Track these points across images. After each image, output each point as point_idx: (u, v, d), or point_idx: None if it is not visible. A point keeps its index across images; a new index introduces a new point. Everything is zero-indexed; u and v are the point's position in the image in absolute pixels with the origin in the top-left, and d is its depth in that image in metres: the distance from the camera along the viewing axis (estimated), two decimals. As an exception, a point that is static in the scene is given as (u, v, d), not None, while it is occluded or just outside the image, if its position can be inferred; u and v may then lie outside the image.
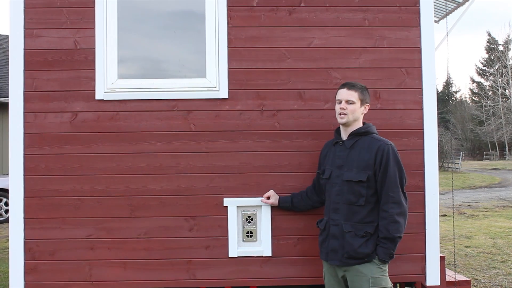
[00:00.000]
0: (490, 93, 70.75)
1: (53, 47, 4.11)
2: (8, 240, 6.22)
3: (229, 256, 4.09)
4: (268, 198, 4.05)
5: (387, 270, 3.55)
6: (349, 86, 3.66)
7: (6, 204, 13.51)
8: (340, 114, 3.63)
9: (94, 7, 4.11)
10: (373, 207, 3.55)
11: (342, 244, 3.53)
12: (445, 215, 13.77)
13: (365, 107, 3.69)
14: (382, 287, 3.48)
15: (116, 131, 4.09)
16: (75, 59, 4.11)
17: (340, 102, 3.65)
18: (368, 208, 3.54)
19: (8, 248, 5.24)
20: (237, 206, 4.10)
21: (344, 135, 3.70)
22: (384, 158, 3.51)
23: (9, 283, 4.04)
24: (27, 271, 4.05)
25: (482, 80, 74.16)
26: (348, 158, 3.60)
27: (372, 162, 3.53)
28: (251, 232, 4.12)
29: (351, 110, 3.60)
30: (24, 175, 4.06)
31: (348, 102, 3.61)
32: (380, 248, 3.47)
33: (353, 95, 3.62)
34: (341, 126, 3.72)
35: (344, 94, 3.64)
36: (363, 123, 3.71)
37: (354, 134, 3.64)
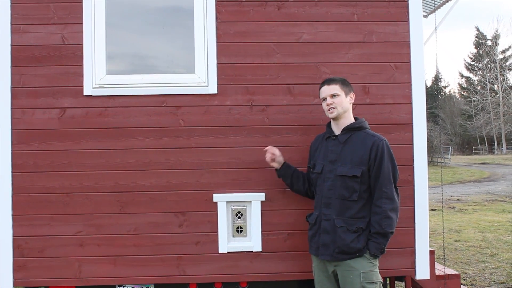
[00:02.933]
0: (479, 87, 71.25)
1: (41, 43, 4.07)
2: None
3: (219, 251, 4.09)
4: (274, 160, 3.89)
5: (378, 264, 3.57)
6: (329, 81, 3.69)
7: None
8: (329, 109, 3.64)
9: (81, 2, 4.08)
10: (366, 203, 3.56)
11: (334, 239, 3.53)
12: (435, 210, 13.85)
13: (350, 97, 3.70)
14: (373, 281, 3.49)
15: (105, 127, 4.07)
16: (63, 54, 4.08)
17: (325, 100, 3.66)
18: (361, 204, 3.55)
19: (-4, 246, 5.19)
20: (227, 202, 4.09)
21: (337, 130, 3.70)
22: (379, 154, 3.52)
23: (-3, 281, 4.02)
24: (16, 268, 4.03)
25: (471, 75, 74.65)
26: (341, 153, 3.60)
27: (367, 157, 3.53)
28: (241, 228, 4.12)
29: (338, 102, 3.61)
30: (12, 172, 4.03)
31: (333, 96, 3.62)
32: (372, 243, 3.48)
33: (335, 88, 3.63)
34: (332, 121, 3.73)
35: (326, 90, 3.66)
36: (355, 118, 3.72)
37: (348, 129, 3.65)
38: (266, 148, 3.91)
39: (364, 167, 3.53)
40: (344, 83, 3.68)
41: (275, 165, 3.91)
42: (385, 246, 3.50)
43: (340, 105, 3.62)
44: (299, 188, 3.92)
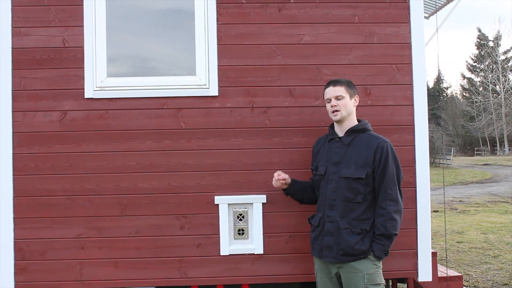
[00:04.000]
0: (480, 89, 71.19)
1: (41, 46, 4.07)
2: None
3: (221, 254, 4.08)
4: (284, 179, 3.77)
5: (381, 266, 3.56)
6: (334, 82, 3.67)
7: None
8: (333, 112, 3.62)
9: (82, 5, 4.08)
10: (370, 204, 3.55)
11: (338, 241, 3.52)
12: (437, 211, 13.82)
13: (355, 100, 3.69)
14: (377, 283, 3.48)
15: (106, 130, 4.07)
16: (64, 57, 4.08)
17: (329, 101, 3.65)
18: (365, 205, 3.53)
19: (-2, 249, 5.18)
20: (228, 204, 4.09)
21: (340, 132, 3.69)
22: (384, 155, 3.52)
23: (-1, 284, 4.02)
24: (18, 271, 4.03)
25: (472, 76, 74.60)
26: (346, 155, 3.59)
27: (371, 159, 3.52)
28: (242, 230, 4.11)
29: (343, 104, 3.60)
30: (13, 175, 4.03)
31: (338, 98, 3.60)
32: (376, 245, 3.47)
33: (340, 90, 3.62)
34: (335, 123, 3.71)
35: (331, 91, 3.64)
36: (359, 120, 3.71)
37: (352, 131, 3.64)
38: (276, 178, 3.74)
39: (369, 169, 3.52)
40: (350, 86, 3.67)
41: (285, 186, 3.82)
42: (389, 248, 3.49)
43: (345, 108, 3.60)
44: (310, 197, 3.85)
